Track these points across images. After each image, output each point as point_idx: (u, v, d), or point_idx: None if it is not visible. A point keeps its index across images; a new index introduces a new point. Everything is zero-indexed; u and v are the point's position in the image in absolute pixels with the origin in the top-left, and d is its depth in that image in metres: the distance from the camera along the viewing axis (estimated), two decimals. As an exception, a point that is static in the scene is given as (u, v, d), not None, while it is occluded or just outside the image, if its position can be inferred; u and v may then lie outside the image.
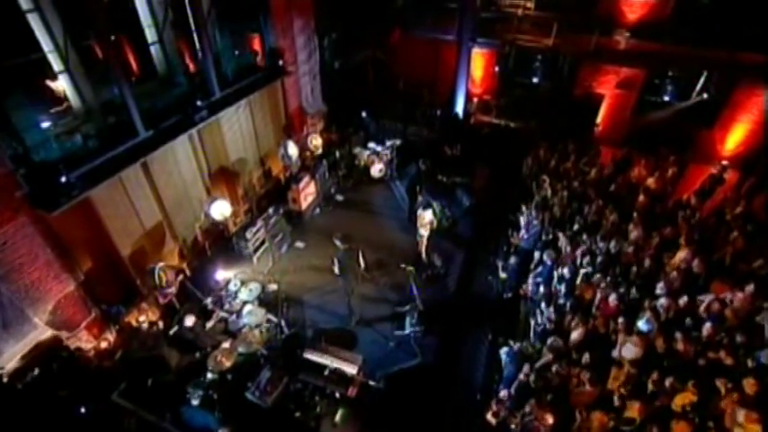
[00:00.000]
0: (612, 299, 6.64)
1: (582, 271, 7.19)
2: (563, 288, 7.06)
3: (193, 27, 8.18)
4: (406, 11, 11.90)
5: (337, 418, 5.89)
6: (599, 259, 7.47)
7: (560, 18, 10.59)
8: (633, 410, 5.26)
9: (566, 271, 7.17)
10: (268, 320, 6.71)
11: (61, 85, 6.73)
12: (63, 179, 5.82)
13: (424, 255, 8.22)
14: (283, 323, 6.95)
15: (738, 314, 6.57)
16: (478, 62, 13.06)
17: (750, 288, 6.80)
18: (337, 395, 5.67)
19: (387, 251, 8.59)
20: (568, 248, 7.58)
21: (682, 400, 5.22)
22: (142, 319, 7.26)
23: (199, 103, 7.74)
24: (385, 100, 12.41)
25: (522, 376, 5.74)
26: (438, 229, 9.18)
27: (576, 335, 6.33)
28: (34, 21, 6.24)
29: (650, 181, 9.87)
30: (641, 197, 9.25)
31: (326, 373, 5.60)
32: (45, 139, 6.49)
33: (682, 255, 7.55)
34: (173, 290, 7.02)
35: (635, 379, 5.71)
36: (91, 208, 6.41)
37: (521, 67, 13.29)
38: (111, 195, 6.63)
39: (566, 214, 8.68)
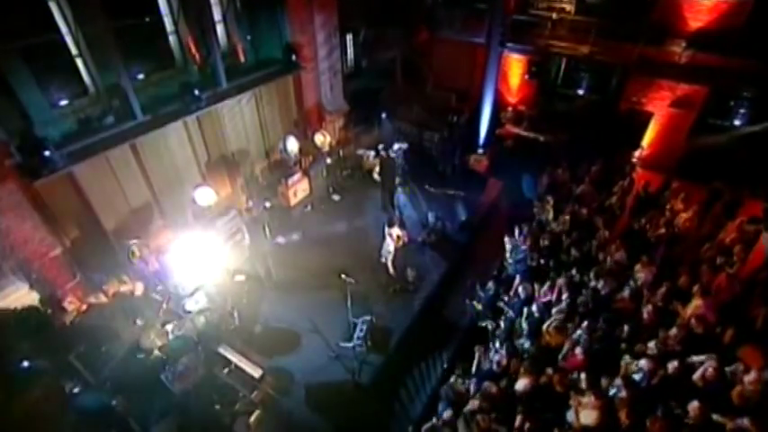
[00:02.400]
0: (579, 350, 5.79)
1: (555, 310, 6.36)
2: (526, 328, 6.29)
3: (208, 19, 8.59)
4: (435, 10, 11.37)
5: (251, 419, 5.82)
6: (582, 299, 6.55)
7: (600, 24, 9.42)
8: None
9: (534, 308, 6.39)
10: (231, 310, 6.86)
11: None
12: (47, 153, 6.40)
13: (391, 269, 7.82)
14: (236, 314, 7.04)
15: (747, 396, 5.42)
16: (515, 69, 12.15)
17: None
18: (241, 395, 5.57)
19: (363, 259, 8.31)
20: (547, 284, 6.75)
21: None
22: (123, 288, 7.79)
23: (196, 92, 8.07)
24: (409, 102, 12.01)
25: (439, 418, 5.19)
26: (424, 242, 8.77)
27: (520, 385, 5.60)
28: (54, 7, 6.91)
29: (683, 216, 8.50)
30: (662, 230, 8.01)
31: (227, 370, 5.54)
32: (53, 117, 7.19)
33: (696, 304, 6.42)
34: (146, 266, 7.43)
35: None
36: (76, 182, 6.98)
37: (567, 78, 12.15)
38: (96, 173, 7.17)
39: (562, 243, 7.74)
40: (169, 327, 6.39)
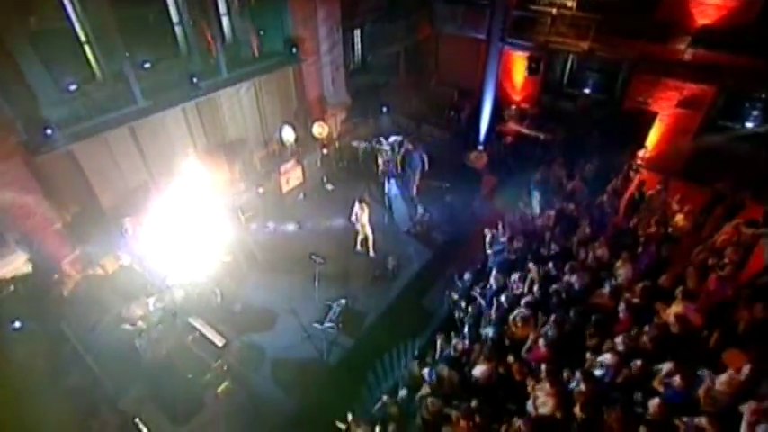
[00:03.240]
0: (542, 342, 5.75)
1: (523, 301, 6.31)
2: (494, 317, 6.29)
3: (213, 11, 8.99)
4: (437, 5, 11.43)
5: (220, 389, 6.07)
6: (554, 288, 6.49)
7: (601, 20, 9.26)
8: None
9: (503, 298, 6.38)
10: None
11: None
12: (50, 132, 6.89)
13: (372, 251, 7.97)
14: (218, 292, 7.33)
15: (714, 397, 5.27)
16: (519, 67, 12.04)
17: (746, 370, 5.41)
18: (212, 367, 5.81)
19: (348, 247, 8.48)
20: (516, 275, 6.70)
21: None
22: (120, 263, 8.21)
23: (195, 80, 8.45)
24: (410, 97, 12.12)
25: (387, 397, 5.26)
26: (409, 232, 8.86)
27: (478, 371, 5.61)
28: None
29: (679, 218, 8.26)
30: (652, 228, 7.81)
31: (191, 337, 5.79)
32: (59, 99, 7.68)
33: (676, 309, 6.26)
34: (138, 242, 7.81)
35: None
36: (77, 161, 7.44)
37: (573, 78, 11.98)
38: (96, 153, 7.63)
39: (544, 238, 7.66)
40: (151, 300, 6.71)
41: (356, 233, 8.30)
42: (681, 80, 10.02)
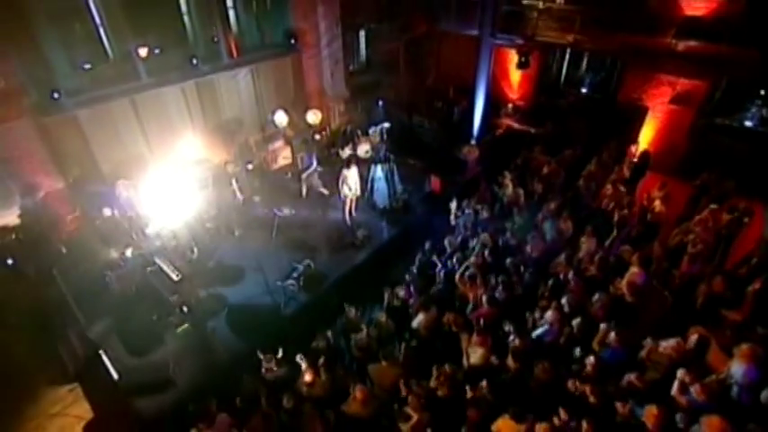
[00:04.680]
0: (486, 300, 5.84)
1: (470, 260, 6.38)
2: (442, 275, 6.42)
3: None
4: (432, 2, 11.96)
5: (179, 330, 6.45)
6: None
7: (587, 12, 9.45)
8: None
9: (455, 259, 6.51)
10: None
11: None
12: (58, 96, 7.73)
13: (347, 218, 8.29)
14: (195, 249, 7.81)
15: (655, 360, 5.22)
16: (513, 65, 12.27)
17: (694, 338, 5.35)
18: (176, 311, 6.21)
19: (326, 220, 8.90)
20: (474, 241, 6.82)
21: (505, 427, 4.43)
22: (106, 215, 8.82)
23: (195, 61, 9.23)
24: (407, 93, 12.58)
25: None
26: (386, 210, 9.13)
27: (416, 321, 5.75)
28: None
29: (657, 203, 8.15)
30: (625, 211, 7.75)
31: (149, 269, 6.23)
32: (71, 73, 8.59)
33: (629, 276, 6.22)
34: (130, 203, 8.45)
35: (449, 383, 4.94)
36: (80, 127, 8.25)
37: (569, 75, 12.11)
38: (98, 121, 8.44)
39: (511, 212, 7.74)
40: (129, 249, 7.26)
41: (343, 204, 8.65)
42: (673, 75, 9.97)
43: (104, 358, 6.09)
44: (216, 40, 9.99)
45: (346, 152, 10.65)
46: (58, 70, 8.25)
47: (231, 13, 10.50)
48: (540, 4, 9.98)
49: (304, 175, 9.37)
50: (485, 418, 4.60)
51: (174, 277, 6.13)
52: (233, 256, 8.06)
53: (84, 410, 6.06)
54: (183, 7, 9.72)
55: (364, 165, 10.63)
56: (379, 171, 10.24)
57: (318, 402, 4.85)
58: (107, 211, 7.74)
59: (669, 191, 8.11)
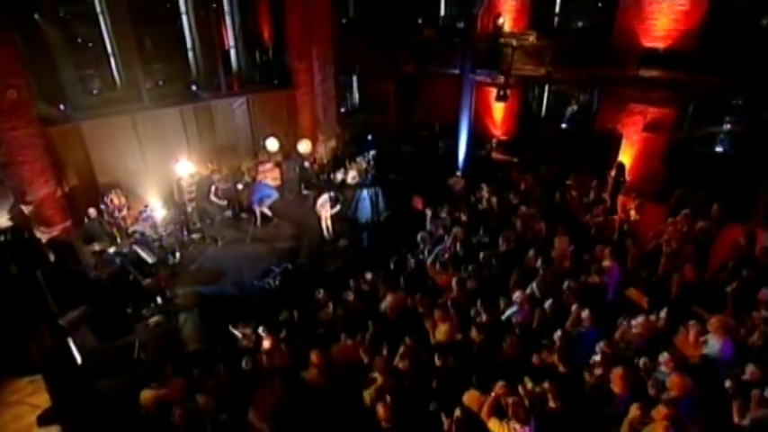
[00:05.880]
0: (456, 285, 5.87)
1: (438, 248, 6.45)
2: (412, 263, 6.47)
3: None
4: (419, 45, 13.08)
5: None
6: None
7: (558, 47, 10.34)
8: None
9: (426, 252, 6.60)
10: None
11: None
12: (62, 107, 8.40)
13: (325, 231, 8.48)
14: (177, 254, 7.96)
15: (629, 342, 5.19)
16: (499, 103, 13.08)
17: (663, 314, 5.35)
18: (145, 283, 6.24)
19: (310, 232, 9.13)
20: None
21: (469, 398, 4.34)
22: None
23: (194, 87, 10.05)
24: (396, 129, 13.36)
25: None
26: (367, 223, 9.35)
27: (383, 303, 5.73)
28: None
29: (632, 213, 8.33)
30: (599, 218, 7.91)
31: (125, 249, 6.32)
32: (81, 94, 9.40)
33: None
34: (122, 213, 8.74)
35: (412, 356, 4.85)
36: (82, 138, 8.81)
37: (549, 111, 12.85)
38: (100, 133, 9.01)
39: (486, 219, 7.90)
40: (112, 248, 7.44)
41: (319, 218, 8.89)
42: (642, 104, 10.60)
43: (71, 344, 6.01)
44: (216, 72, 10.94)
45: (338, 176, 11.14)
46: (69, 89, 9.04)
47: (232, 52, 11.62)
48: (514, 42, 10.92)
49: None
50: (450, 390, 4.46)
51: (150, 260, 6.23)
52: (214, 261, 8.19)
53: (42, 400, 5.87)
54: (189, 44, 10.77)
55: (350, 189, 11.09)
56: (365, 193, 10.60)
57: (277, 374, 4.73)
58: (92, 212, 8.00)
59: (644, 201, 8.32)
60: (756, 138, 9.50)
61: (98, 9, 9.19)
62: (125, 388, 5.32)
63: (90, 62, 9.62)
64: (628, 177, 11.22)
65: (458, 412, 3.82)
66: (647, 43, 10.07)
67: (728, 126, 10.11)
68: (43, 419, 5.64)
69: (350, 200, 10.18)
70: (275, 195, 9.67)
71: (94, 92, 9.69)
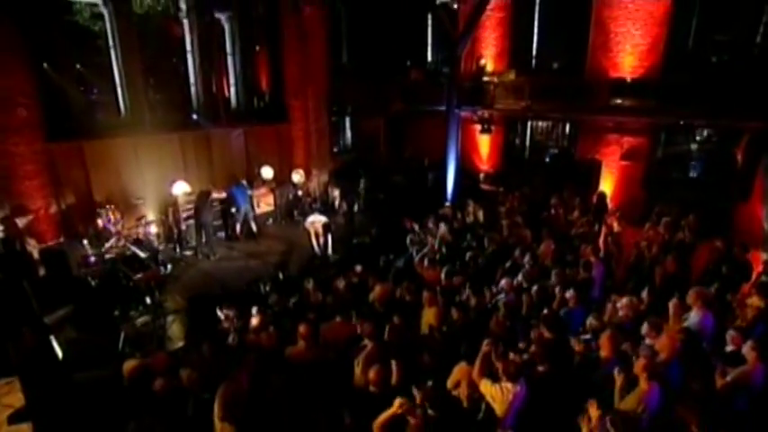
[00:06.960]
0: (444, 276, 5.99)
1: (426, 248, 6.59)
2: (401, 263, 6.58)
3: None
4: (407, 86, 14.06)
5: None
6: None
7: (533, 82, 11.22)
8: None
9: (414, 252, 6.75)
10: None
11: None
12: (67, 126, 8.82)
13: (317, 248, 8.64)
14: (169, 267, 7.99)
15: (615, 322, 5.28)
16: (484, 139, 13.85)
17: (645, 295, 5.49)
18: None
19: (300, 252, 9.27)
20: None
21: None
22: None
23: (194, 116, 10.63)
24: (385, 164, 13.99)
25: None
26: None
27: (372, 294, 5.78)
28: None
29: (614, 225, 8.62)
30: (582, 229, 8.16)
31: (113, 243, 6.35)
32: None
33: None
34: (117, 227, 8.82)
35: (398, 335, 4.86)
36: (83, 156, 9.14)
37: (533, 145, 13.57)
38: (101, 153, 9.33)
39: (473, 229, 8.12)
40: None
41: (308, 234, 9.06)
42: (617, 133, 11.33)
43: (53, 342, 5.88)
44: (216, 106, 11.61)
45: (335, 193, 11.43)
46: (75, 109, 9.51)
47: (233, 90, 12.40)
48: (495, 79, 11.85)
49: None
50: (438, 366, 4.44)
51: (142, 255, 6.28)
52: (205, 273, 8.21)
53: (15, 400, 5.61)
54: (192, 79, 11.52)
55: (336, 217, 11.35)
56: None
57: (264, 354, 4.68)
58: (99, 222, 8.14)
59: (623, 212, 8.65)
60: (723, 164, 10.13)
61: (110, 43, 9.95)
62: (104, 380, 5.15)
63: (98, 88, 10.24)
64: (609, 204, 11.68)
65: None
66: (614, 73, 10.99)
67: (697, 152, 10.82)
68: (13, 418, 5.38)
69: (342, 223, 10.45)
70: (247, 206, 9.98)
71: (99, 118, 10.20)
